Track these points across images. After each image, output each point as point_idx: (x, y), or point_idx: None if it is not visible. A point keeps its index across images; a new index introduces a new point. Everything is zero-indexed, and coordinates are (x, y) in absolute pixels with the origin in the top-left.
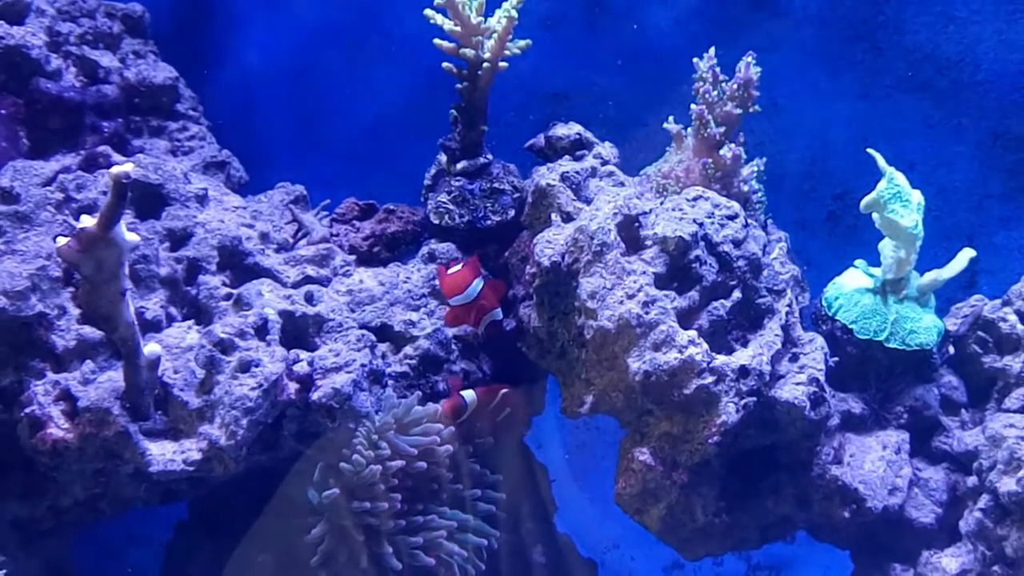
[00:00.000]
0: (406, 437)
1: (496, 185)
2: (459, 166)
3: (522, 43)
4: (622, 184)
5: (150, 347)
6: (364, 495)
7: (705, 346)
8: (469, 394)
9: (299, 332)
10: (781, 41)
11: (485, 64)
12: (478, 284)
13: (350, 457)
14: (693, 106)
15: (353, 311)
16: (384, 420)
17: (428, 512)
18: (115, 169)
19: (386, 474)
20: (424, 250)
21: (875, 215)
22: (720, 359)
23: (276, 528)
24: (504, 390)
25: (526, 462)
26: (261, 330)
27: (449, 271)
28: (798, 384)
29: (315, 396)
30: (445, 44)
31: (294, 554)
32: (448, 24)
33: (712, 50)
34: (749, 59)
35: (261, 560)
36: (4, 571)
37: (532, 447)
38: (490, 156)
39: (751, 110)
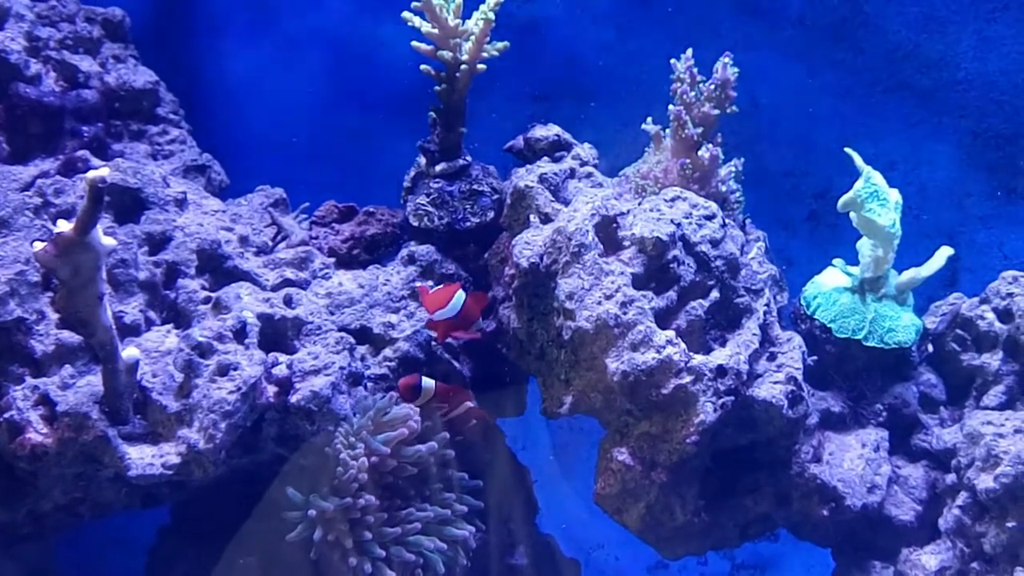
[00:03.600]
0: (380, 435)
1: (475, 187)
2: (438, 168)
3: (500, 45)
4: (600, 185)
5: (128, 351)
6: (346, 492)
7: (683, 346)
8: (428, 381)
9: (278, 335)
10: (762, 41)
11: (463, 66)
12: (460, 297)
13: (335, 459)
14: (671, 107)
15: (332, 314)
16: (360, 423)
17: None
18: (91, 174)
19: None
20: (404, 252)
21: (852, 214)
22: (698, 359)
23: (260, 531)
24: (468, 403)
25: (508, 464)
26: (240, 333)
27: (431, 290)
28: (776, 383)
29: (294, 399)
30: (423, 46)
31: (278, 557)
32: (426, 26)
33: (689, 51)
34: (726, 60)
35: (244, 563)
36: None
37: (514, 448)
38: (469, 158)
39: (728, 111)
